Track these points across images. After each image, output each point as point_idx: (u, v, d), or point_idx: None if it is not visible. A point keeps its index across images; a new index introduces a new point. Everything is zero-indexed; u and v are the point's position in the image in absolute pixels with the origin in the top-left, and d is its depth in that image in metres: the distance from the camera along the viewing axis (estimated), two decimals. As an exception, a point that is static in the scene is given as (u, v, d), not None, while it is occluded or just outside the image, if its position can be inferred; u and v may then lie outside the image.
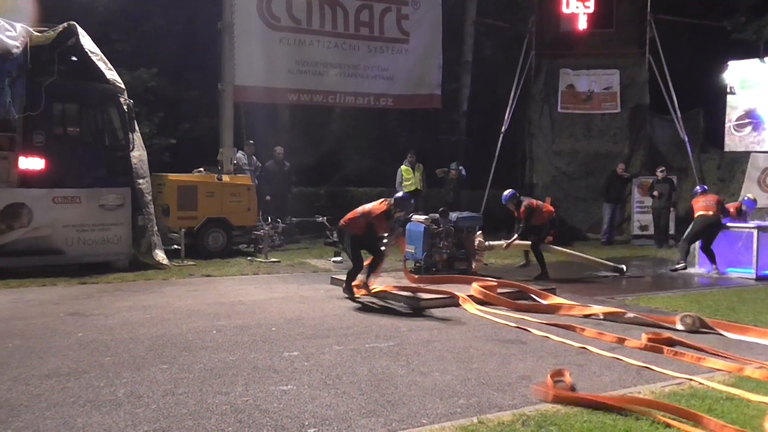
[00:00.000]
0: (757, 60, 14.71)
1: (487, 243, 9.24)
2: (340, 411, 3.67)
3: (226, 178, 10.43)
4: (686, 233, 9.83)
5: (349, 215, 7.03)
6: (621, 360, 4.79)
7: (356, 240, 6.96)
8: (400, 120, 16.33)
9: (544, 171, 15.58)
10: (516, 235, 9.14)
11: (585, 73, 15.31)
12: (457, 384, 4.20)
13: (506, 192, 9.34)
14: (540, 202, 9.46)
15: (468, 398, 3.93)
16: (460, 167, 13.54)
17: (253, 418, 3.54)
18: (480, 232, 9.04)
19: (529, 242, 9.08)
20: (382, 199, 7.20)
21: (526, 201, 9.17)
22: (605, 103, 15.24)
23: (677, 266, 9.70)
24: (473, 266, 8.62)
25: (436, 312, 6.42)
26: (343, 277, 7.23)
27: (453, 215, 8.64)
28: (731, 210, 10.14)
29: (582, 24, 15.41)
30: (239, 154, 11.71)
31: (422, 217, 8.69)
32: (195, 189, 9.97)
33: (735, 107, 14.84)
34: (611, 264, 9.51)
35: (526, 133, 16.02)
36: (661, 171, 13.32)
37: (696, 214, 9.65)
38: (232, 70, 11.42)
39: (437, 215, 8.66)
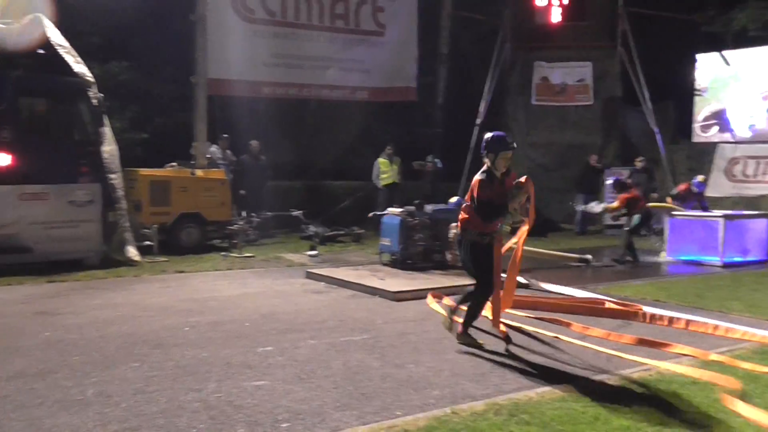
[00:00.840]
0: (724, 55, 14.97)
1: None
2: (314, 405, 3.67)
3: (199, 172, 10.30)
4: (631, 227, 9.82)
5: (460, 214, 5.26)
6: (591, 348, 4.88)
7: (476, 249, 4.96)
8: (376, 113, 16.27)
9: (520, 163, 15.70)
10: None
11: (559, 65, 15.45)
12: (431, 375, 4.23)
13: (455, 198, 9.28)
14: None
15: (442, 389, 3.96)
16: (436, 160, 13.56)
17: (226, 414, 3.52)
18: (456, 224, 9.09)
19: None
20: None
21: None
22: (578, 95, 15.40)
23: (625, 259, 9.64)
24: (449, 259, 8.66)
25: (411, 305, 6.45)
26: (320, 272, 7.08)
27: (429, 207, 8.66)
28: (682, 189, 10.56)
29: (555, 17, 15.53)
30: (213, 148, 11.58)
31: (398, 210, 8.72)
32: (168, 184, 9.82)
33: (702, 108, 15.13)
34: (576, 256, 9.66)
35: (502, 125, 16.11)
36: (640, 161, 13.37)
37: (637, 209, 9.78)
38: (205, 63, 11.25)
39: (413, 207, 8.68)
